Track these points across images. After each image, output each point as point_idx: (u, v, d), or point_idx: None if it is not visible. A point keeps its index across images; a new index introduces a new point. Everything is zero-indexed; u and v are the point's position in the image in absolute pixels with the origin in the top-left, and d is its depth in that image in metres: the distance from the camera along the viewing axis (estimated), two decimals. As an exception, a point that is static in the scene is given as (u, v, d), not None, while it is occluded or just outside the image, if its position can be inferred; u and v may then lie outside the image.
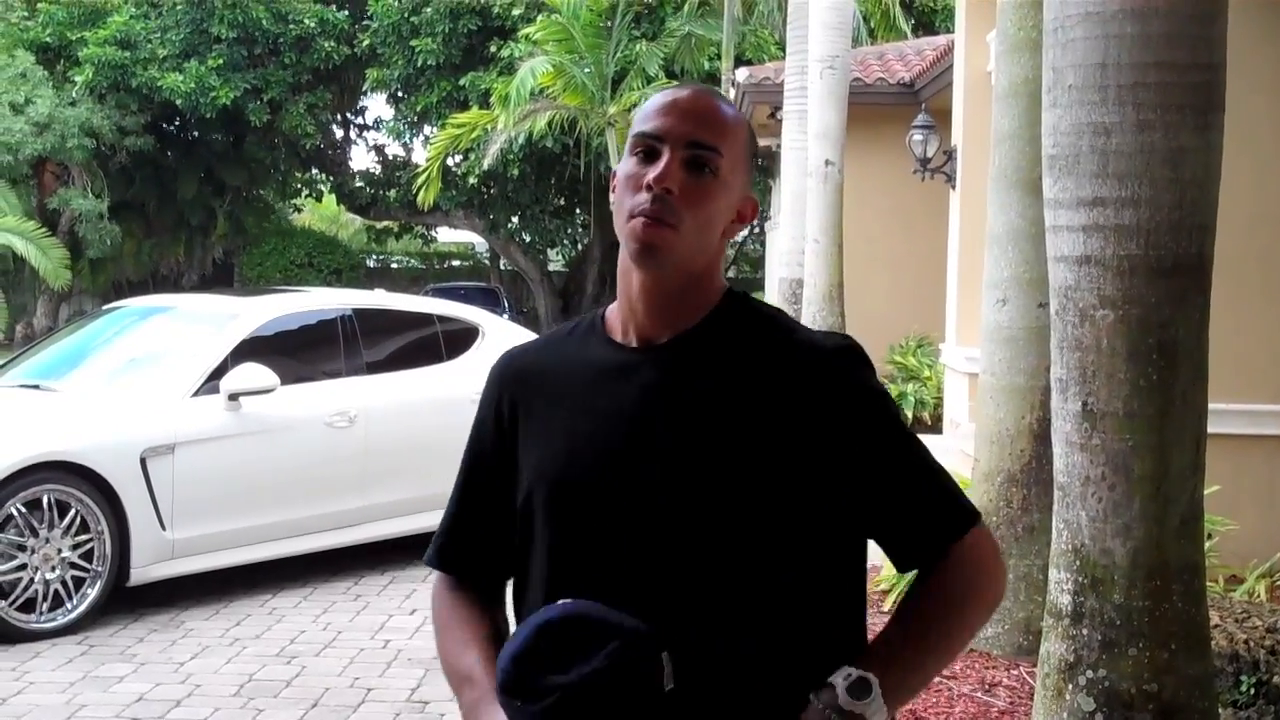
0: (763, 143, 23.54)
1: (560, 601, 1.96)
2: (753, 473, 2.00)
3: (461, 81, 30.96)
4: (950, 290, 12.29)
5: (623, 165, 2.10)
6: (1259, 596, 6.94)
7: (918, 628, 2.06)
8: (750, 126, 2.16)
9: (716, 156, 2.04)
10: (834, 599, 2.08)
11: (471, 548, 2.28)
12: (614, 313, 2.16)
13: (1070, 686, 4.60)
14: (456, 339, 10.21)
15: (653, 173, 2.02)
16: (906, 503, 2.08)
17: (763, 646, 2.01)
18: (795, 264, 15.09)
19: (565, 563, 2.08)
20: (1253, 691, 5.44)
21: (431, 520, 9.55)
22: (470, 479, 2.28)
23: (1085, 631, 4.58)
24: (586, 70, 25.60)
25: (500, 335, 10.59)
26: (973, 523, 2.10)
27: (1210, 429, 4.66)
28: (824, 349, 2.09)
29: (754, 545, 2.00)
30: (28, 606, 7.63)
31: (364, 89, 35.06)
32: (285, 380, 8.73)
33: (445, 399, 9.75)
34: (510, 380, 2.25)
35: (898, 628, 2.07)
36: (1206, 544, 5.30)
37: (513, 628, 2.08)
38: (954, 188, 12.53)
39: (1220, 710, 5.02)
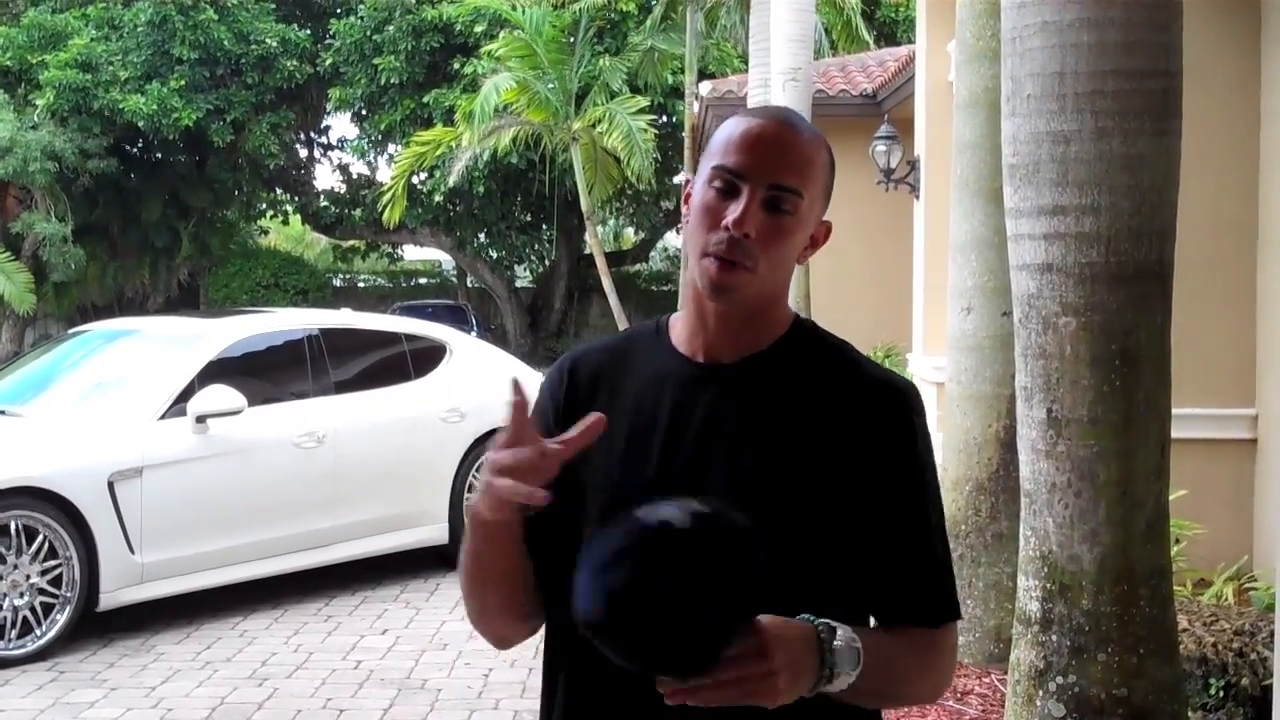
0: (727, 156, 23.62)
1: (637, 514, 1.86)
2: (802, 499, 2.01)
3: (425, 99, 30.93)
4: (916, 300, 12.34)
5: (699, 192, 2.05)
6: (1227, 600, 6.98)
7: (888, 649, 2.02)
8: (829, 149, 2.11)
9: (797, 199, 2.02)
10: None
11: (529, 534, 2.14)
12: (680, 323, 2.15)
13: (1041, 693, 4.62)
14: (424, 357, 10.21)
15: (732, 215, 1.98)
16: (905, 568, 2.07)
17: None
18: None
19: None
20: (1221, 694, 5.46)
21: (402, 539, 9.56)
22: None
23: (1054, 638, 4.60)
24: (550, 86, 25.60)
25: (468, 353, 10.60)
26: (952, 618, 2.11)
27: (1175, 434, 4.70)
28: (881, 387, 2.08)
29: (795, 570, 1.99)
30: (-4, 634, 7.60)
31: (327, 108, 34.99)
32: (253, 401, 8.71)
33: (414, 417, 9.75)
34: (575, 379, 2.22)
35: (877, 635, 2.05)
36: (1174, 548, 5.34)
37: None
38: (918, 197, 12.59)
39: (1190, 713, 5.04)
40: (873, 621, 2.10)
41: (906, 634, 2.06)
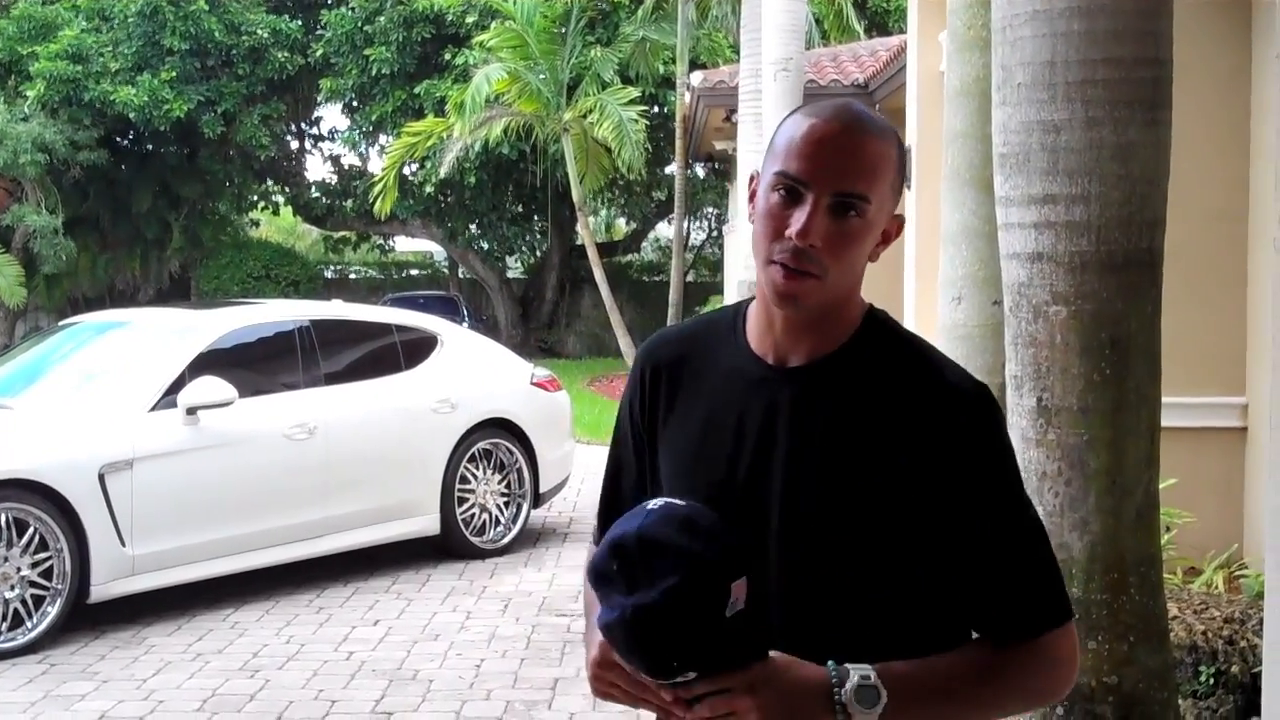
0: (719, 146, 23.63)
1: (649, 505, 1.94)
2: (864, 507, 1.98)
3: (416, 90, 30.85)
4: (908, 289, 12.33)
5: (763, 197, 2.01)
6: (1217, 588, 6.99)
7: (954, 679, 1.99)
8: (899, 141, 2.05)
9: (864, 204, 1.96)
10: (930, 643, 2.04)
11: None
12: (754, 317, 2.12)
13: (1031, 681, 4.62)
14: (415, 348, 10.20)
15: (796, 224, 1.94)
16: (1007, 579, 2.02)
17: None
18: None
19: None
20: (1212, 682, 5.47)
21: (394, 530, 9.57)
22: (618, 458, 2.30)
23: (1045, 626, 4.61)
24: (541, 76, 25.55)
25: (459, 344, 10.59)
26: (1067, 619, 2.05)
27: (1166, 422, 4.70)
28: (962, 393, 2.03)
29: (856, 576, 2.01)
30: (-13, 626, 7.59)
31: (318, 99, 34.84)
32: (243, 393, 8.70)
33: (405, 408, 9.75)
34: (657, 364, 2.20)
35: (937, 664, 2.00)
36: (1164, 537, 5.34)
37: None
38: (909, 187, 12.57)
39: (1180, 701, 5.05)
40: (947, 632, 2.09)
41: (1014, 654, 2.01)
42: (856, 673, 1.88)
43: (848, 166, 1.95)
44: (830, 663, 1.91)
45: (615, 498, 2.29)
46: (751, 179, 2.09)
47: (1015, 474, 2.07)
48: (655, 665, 1.85)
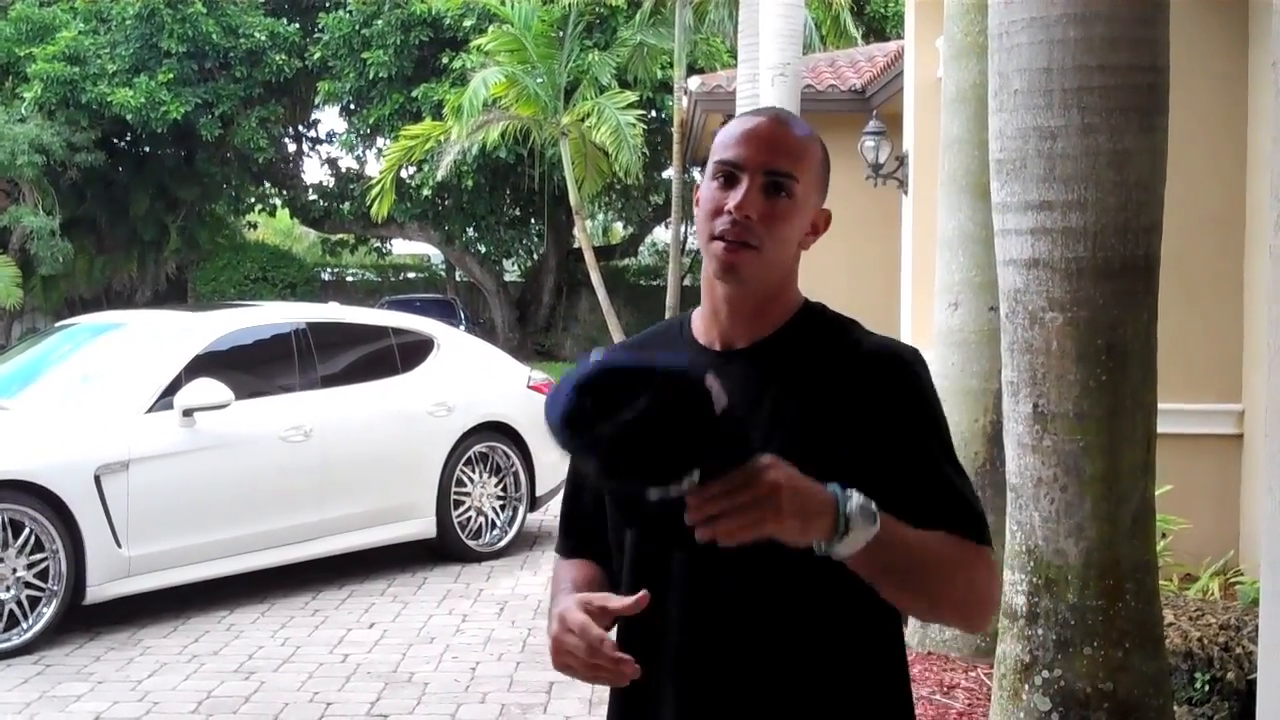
0: (716, 151, 23.59)
1: (587, 359, 1.98)
2: (807, 468, 2.03)
3: (414, 93, 30.84)
4: (904, 295, 12.35)
5: (705, 188, 2.24)
6: (1212, 594, 7.00)
7: (926, 538, 2.09)
8: (823, 145, 2.30)
9: (792, 182, 2.19)
10: (873, 601, 2.15)
11: (583, 537, 2.44)
12: (699, 318, 2.32)
13: (1026, 687, 4.64)
14: (412, 351, 10.20)
15: (733, 199, 2.17)
16: (935, 502, 2.14)
17: (805, 639, 2.16)
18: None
19: (638, 559, 2.26)
20: (1207, 688, 5.48)
21: (389, 533, 9.54)
22: (574, 475, 2.46)
23: (1040, 632, 4.62)
24: (539, 80, 25.56)
25: (456, 347, 10.60)
26: (986, 542, 2.17)
27: (1161, 429, 4.71)
28: (890, 352, 2.23)
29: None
30: (-18, 627, 7.59)
31: (316, 102, 34.82)
32: (240, 395, 8.70)
33: (401, 411, 9.75)
34: None
35: (909, 528, 2.10)
36: (1160, 543, 5.35)
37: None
38: (906, 193, 12.59)
39: (1175, 707, 5.06)
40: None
41: (943, 535, 2.12)
42: (855, 494, 1.97)
43: (777, 150, 2.20)
44: (831, 484, 1.98)
45: (575, 511, 2.47)
46: (695, 190, 2.31)
47: (936, 419, 2.22)
48: (663, 471, 1.86)
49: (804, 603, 2.16)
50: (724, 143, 2.23)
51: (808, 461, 2.03)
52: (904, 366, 2.21)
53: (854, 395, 2.16)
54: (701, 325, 2.31)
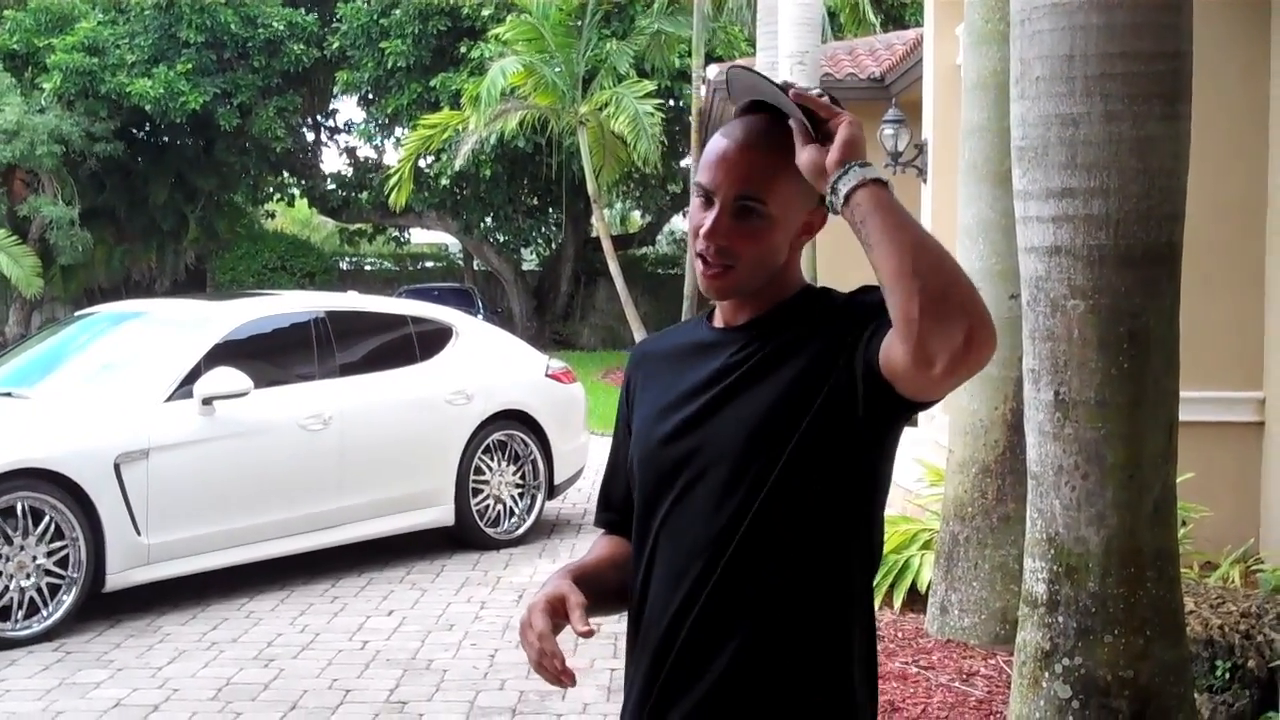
0: (734, 139, 23.55)
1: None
2: (769, 424, 2.22)
3: (432, 83, 30.84)
4: (923, 283, 12.31)
5: (691, 204, 2.35)
6: (1233, 582, 6.98)
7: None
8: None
9: (761, 205, 2.26)
10: (840, 554, 2.27)
11: (620, 510, 2.55)
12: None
13: (1047, 674, 4.62)
14: (430, 340, 10.21)
15: (707, 223, 2.27)
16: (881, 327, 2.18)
17: (790, 596, 2.24)
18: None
19: (644, 518, 2.37)
20: (1228, 676, 5.46)
21: (408, 521, 9.57)
22: (615, 448, 2.60)
23: (1061, 619, 4.61)
24: (557, 69, 25.55)
25: (474, 336, 10.60)
26: None
27: (1182, 416, 4.69)
28: (847, 294, 2.30)
29: (768, 491, 2.22)
30: (3, 614, 7.61)
31: (334, 92, 34.86)
32: (259, 384, 8.71)
33: (419, 400, 9.76)
34: (635, 361, 2.57)
35: None
36: (1180, 531, 5.33)
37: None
38: (925, 181, 12.56)
39: (1196, 695, 5.05)
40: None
41: None
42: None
43: (745, 176, 2.26)
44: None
45: (612, 487, 2.60)
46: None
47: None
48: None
49: (778, 542, 2.23)
50: (702, 164, 2.32)
51: (786, 403, 2.20)
52: (853, 293, 2.28)
53: (820, 328, 2.24)
54: (718, 311, 2.42)
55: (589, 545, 2.65)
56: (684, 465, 2.30)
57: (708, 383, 2.31)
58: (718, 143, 2.31)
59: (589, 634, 2.25)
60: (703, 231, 2.27)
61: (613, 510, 2.57)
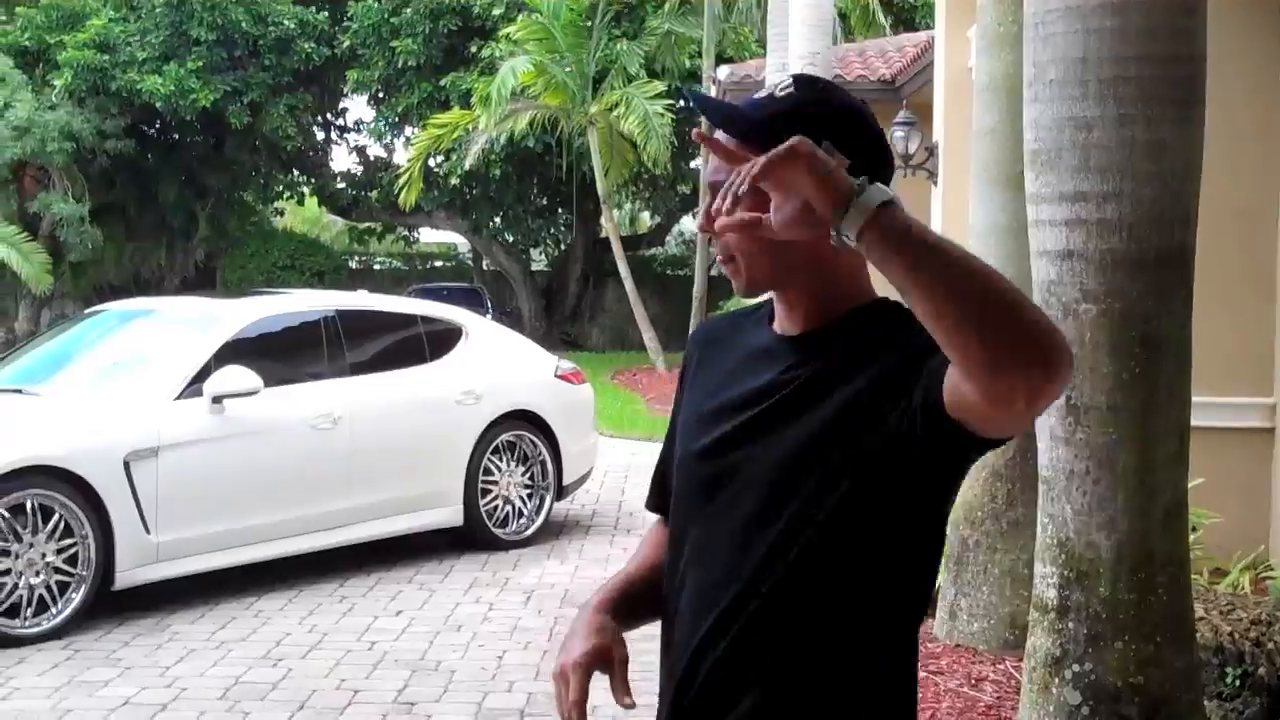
0: (745, 141, 23.54)
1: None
2: (820, 450, 2.07)
3: (442, 82, 30.86)
4: (933, 286, 12.29)
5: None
6: (1243, 589, 6.97)
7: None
8: (846, 132, 2.14)
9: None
10: (889, 588, 2.11)
11: (668, 494, 2.41)
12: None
13: (1057, 680, 4.61)
14: (440, 339, 10.21)
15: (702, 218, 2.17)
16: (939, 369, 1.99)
17: (828, 653, 2.09)
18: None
19: (678, 522, 2.28)
20: (1238, 683, 5.45)
21: (417, 521, 9.56)
22: (671, 427, 2.46)
23: (1071, 625, 4.60)
24: (567, 69, 25.57)
25: (483, 335, 10.61)
26: None
27: (1193, 422, 4.68)
28: (895, 315, 2.09)
29: (813, 516, 2.07)
30: (12, 612, 7.61)
31: (345, 90, 34.88)
32: (269, 382, 8.71)
33: (429, 399, 9.76)
34: (696, 343, 2.44)
35: None
36: (1191, 537, 5.32)
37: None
38: (936, 184, 12.56)
39: (1205, 702, 5.03)
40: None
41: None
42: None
43: (729, 165, 2.06)
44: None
45: (665, 466, 2.46)
46: None
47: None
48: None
49: (817, 589, 2.08)
50: (711, 164, 2.21)
51: (833, 437, 2.05)
52: (903, 315, 2.01)
53: (878, 358, 2.05)
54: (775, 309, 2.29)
55: (598, 548, 2.61)
56: (718, 484, 2.18)
57: (754, 398, 2.18)
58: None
59: (630, 706, 2.18)
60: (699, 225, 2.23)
61: (664, 496, 2.43)
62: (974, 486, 7.13)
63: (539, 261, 39.77)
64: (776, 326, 2.25)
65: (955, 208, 10.57)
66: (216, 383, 8.47)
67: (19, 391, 8.80)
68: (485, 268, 38.94)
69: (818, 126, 1.96)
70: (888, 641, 2.12)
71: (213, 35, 31.12)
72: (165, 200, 33.60)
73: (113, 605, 8.12)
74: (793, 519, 2.08)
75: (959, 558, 7.19)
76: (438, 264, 42.88)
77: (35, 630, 7.64)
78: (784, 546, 2.08)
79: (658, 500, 2.48)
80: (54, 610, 7.74)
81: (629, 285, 26.38)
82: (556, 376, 10.74)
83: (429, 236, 43.72)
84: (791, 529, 2.08)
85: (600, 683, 2.29)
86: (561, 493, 10.56)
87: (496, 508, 10.08)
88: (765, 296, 2.30)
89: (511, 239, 36.42)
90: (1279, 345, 7.95)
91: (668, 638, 2.29)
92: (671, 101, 25.76)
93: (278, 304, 10.06)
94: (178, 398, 8.44)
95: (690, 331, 2.55)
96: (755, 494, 2.13)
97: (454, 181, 31.46)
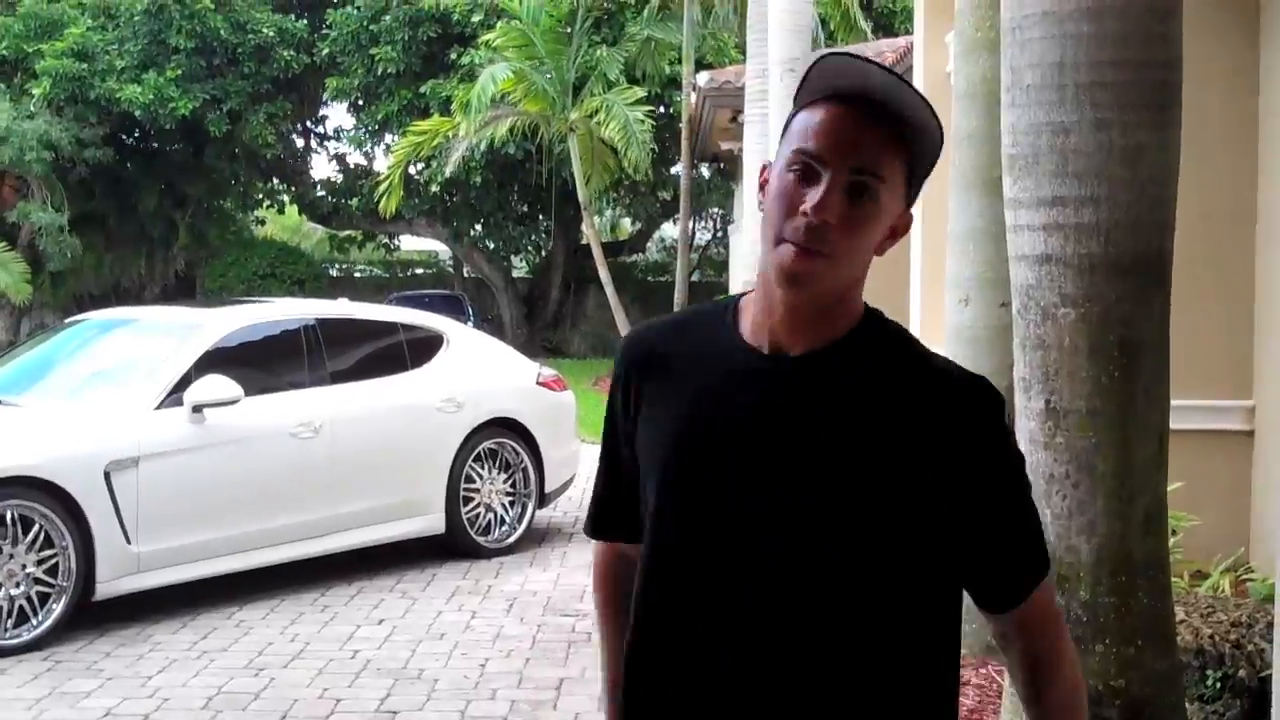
0: (724, 146, 23.61)
1: None
2: (861, 499, 1.96)
3: (422, 89, 30.85)
4: (913, 291, 12.31)
5: (777, 177, 2.00)
6: (1224, 591, 6.98)
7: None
8: (933, 130, 2.02)
9: (879, 183, 1.96)
10: (925, 639, 2.05)
11: (617, 516, 2.30)
12: (749, 308, 2.10)
13: (1038, 684, 4.61)
14: (421, 347, 10.20)
15: (810, 200, 1.93)
16: (1006, 544, 2.07)
17: (839, 669, 2.00)
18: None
19: (661, 562, 2.10)
20: (1219, 686, 5.47)
21: (399, 529, 9.56)
22: (608, 452, 2.29)
23: (1052, 629, 4.59)
24: (547, 76, 25.57)
25: (465, 343, 10.60)
26: (1047, 568, 2.12)
27: (1172, 425, 4.69)
28: (961, 383, 2.04)
29: (851, 571, 1.98)
30: (-8, 623, 7.59)
31: (324, 98, 34.84)
32: (249, 391, 8.70)
33: (410, 407, 9.75)
34: (636, 360, 2.19)
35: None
36: (1171, 540, 5.33)
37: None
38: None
39: (1187, 705, 5.04)
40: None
41: (1034, 653, 2.14)
42: None
43: (866, 146, 1.95)
44: None
45: (609, 490, 2.33)
46: (763, 169, 2.07)
47: (1014, 457, 2.10)
48: None
49: (838, 616, 1.99)
50: (806, 129, 1.97)
51: (858, 485, 1.95)
52: (989, 402, 2.02)
53: (929, 423, 1.98)
54: (750, 323, 2.08)
55: (581, 555, 2.55)
56: (730, 528, 2.01)
57: (764, 430, 2.01)
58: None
59: None
60: (808, 207, 1.91)
61: (614, 522, 2.33)
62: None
63: (520, 268, 39.76)
64: (755, 338, 2.06)
65: (935, 212, 10.57)
66: (197, 392, 8.45)
67: (-2, 402, 8.78)
68: (466, 275, 38.93)
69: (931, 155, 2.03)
70: (941, 686, 2.13)
71: (191, 43, 31.06)
72: (145, 209, 33.52)
73: (94, 616, 8.10)
74: (835, 569, 1.97)
75: (941, 562, 7.19)
76: (418, 271, 42.83)
77: (16, 641, 7.61)
78: (820, 612, 1.98)
79: (604, 525, 2.38)
80: (34, 621, 7.71)
81: (610, 292, 26.38)
82: (538, 384, 10.73)
83: (409, 244, 43.71)
84: (828, 595, 1.97)
85: (587, 689, 2.27)
86: (543, 500, 10.55)
87: (478, 515, 10.07)
88: (726, 296, 2.23)
89: (492, 246, 36.40)
90: (1258, 347, 7.98)
91: (659, 667, 2.11)
92: (652, 108, 25.76)
93: (258, 313, 10.04)
94: (158, 407, 8.42)
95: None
96: (781, 542, 1.98)
97: (434, 189, 31.44)
